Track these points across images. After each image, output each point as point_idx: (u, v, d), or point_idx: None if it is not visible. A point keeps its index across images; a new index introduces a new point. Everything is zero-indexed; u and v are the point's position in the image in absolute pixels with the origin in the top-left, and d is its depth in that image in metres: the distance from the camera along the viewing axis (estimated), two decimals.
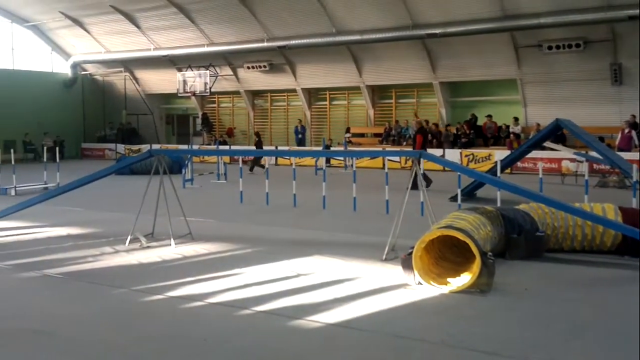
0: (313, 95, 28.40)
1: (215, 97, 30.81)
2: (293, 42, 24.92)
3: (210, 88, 28.47)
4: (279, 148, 25.78)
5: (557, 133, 17.13)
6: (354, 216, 11.79)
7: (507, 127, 22.74)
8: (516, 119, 22.73)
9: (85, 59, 31.51)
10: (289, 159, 22.15)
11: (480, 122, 23.65)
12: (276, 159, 25.01)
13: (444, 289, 6.46)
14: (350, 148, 23.57)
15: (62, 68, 31.97)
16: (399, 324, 5.54)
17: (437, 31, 21.74)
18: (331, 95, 27.96)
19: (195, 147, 25.80)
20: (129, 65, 31.09)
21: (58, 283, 7.12)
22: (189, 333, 5.33)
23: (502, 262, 7.55)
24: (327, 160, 21.41)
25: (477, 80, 23.80)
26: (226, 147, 25.67)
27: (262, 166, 20.85)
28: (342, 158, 23.00)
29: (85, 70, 32.80)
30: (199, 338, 5.22)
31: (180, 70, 29.28)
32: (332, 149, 23.24)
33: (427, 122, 23.60)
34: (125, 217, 10.79)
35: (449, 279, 6.61)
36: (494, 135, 22.97)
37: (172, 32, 27.68)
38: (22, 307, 6.21)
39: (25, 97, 29.24)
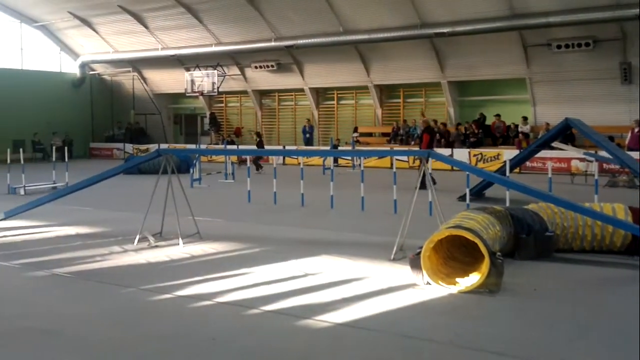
0: (321, 94, 28.39)
1: (222, 97, 30.86)
2: (300, 41, 24.91)
3: (217, 88, 28.52)
4: (287, 147, 25.80)
5: (567, 132, 17.05)
6: (361, 216, 11.77)
7: (516, 126, 22.65)
8: (525, 119, 22.63)
9: (94, 58, 31.64)
10: (297, 158, 22.16)
11: (488, 122, 23.57)
12: (284, 158, 25.02)
13: (453, 289, 6.43)
14: (358, 147, 23.55)
15: (71, 68, 32.11)
16: (407, 324, 5.52)
17: (445, 30, 21.67)
18: (339, 95, 27.94)
19: (203, 146, 25.86)
20: (137, 65, 31.19)
21: (67, 282, 7.14)
22: (197, 332, 5.33)
23: (511, 262, 7.51)
24: (335, 160, 21.39)
25: (486, 79, 23.72)
26: (234, 147, 25.69)
27: (260, 166, 20.90)
28: (349, 158, 22.98)
29: (93, 70, 32.93)
30: (207, 337, 5.21)
31: (188, 70, 29.35)
32: (339, 148, 23.22)
33: (435, 121, 23.60)
34: (133, 216, 10.82)
35: (457, 279, 6.58)
36: (503, 135, 22.88)
37: (180, 32, 27.75)
38: (30, 306, 6.23)
39: (34, 97, 29.40)
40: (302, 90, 28.02)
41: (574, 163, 18.61)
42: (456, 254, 7.26)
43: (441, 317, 5.75)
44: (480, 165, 20.88)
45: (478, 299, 6.21)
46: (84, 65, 32.10)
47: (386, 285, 6.68)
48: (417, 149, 18.37)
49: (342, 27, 23.85)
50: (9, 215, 10.27)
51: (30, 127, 28.62)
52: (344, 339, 5.19)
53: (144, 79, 31.86)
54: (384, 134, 26.14)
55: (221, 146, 25.36)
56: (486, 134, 23.23)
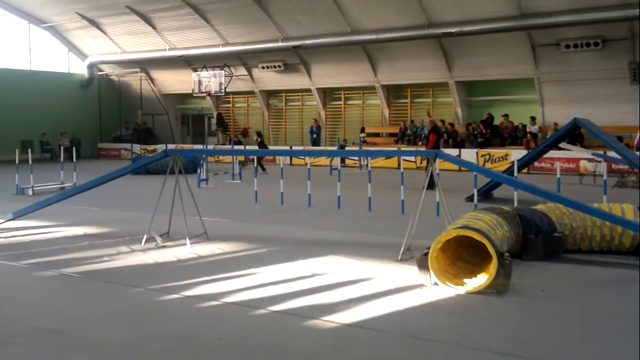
0: (328, 94, 28.38)
1: (230, 97, 30.90)
2: (308, 41, 24.91)
3: (225, 88, 28.56)
4: (294, 148, 25.79)
5: (575, 133, 16.96)
6: (369, 216, 11.75)
7: (524, 126, 22.56)
8: (533, 119, 22.54)
9: (102, 59, 31.76)
10: (304, 158, 22.16)
11: (496, 122, 23.49)
12: (291, 158, 25.02)
13: (460, 290, 6.40)
14: (365, 148, 23.52)
15: (79, 69, 32.25)
16: (415, 324, 5.50)
17: (453, 30, 21.61)
18: (346, 95, 27.93)
19: (210, 147, 25.89)
20: (145, 65, 31.29)
21: (75, 282, 7.16)
22: (204, 332, 5.33)
23: (519, 263, 7.48)
24: (342, 160, 21.37)
25: (494, 79, 23.64)
26: (241, 147, 25.72)
27: (262, 167, 20.83)
28: (357, 158, 22.96)
29: (101, 70, 33.05)
30: (214, 337, 5.21)
31: (195, 70, 29.40)
32: (346, 148, 23.20)
33: (443, 121, 23.55)
34: (141, 216, 10.85)
35: (465, 280, 6.56)
36: (511, 135, 22.79)
37: (188, 33, 27.81)
38: (39, 305, 6.25)
39: (42, 98, 29.53)
40: (309, 90, 28.02)
41: (582, 163, 18.51)
42: (464, 255, 7.23)
43: (449, 318, 5.72)
44: (488, 165, 20.80)
45: (486, 299, 6.18)
46: (91, 66, 32.23)
47: (393, 286, 6.67)
48: (424, 149, 18.33)
49: (350, 27, 23.84)
50: (17, 216, 10.31)
51: (38, 128, 28.76)
52: (351, 340, 5.18)
53: (151, 79, 31.96)
54: (391, 134, 26.10)
55: (228, 146, 25.39)
56: (494, 134, 23.15)
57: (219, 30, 26.95)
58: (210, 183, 17.77)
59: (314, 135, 27.36)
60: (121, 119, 32.84)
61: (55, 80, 30.90)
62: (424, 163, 17.52)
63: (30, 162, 16.33)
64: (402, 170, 12.34)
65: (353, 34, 23.87)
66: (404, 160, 15.11)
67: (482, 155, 21.66)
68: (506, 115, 23.07)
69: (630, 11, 18.55)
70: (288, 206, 12.86)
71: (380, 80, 25.68)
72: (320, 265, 7.69)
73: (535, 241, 7.81)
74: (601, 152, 16.69)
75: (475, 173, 11.47)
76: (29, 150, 17.30)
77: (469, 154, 21.46)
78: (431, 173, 8.35)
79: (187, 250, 8.67)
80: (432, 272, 6.55)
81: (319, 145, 27.06)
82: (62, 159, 18.03)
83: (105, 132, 33.00)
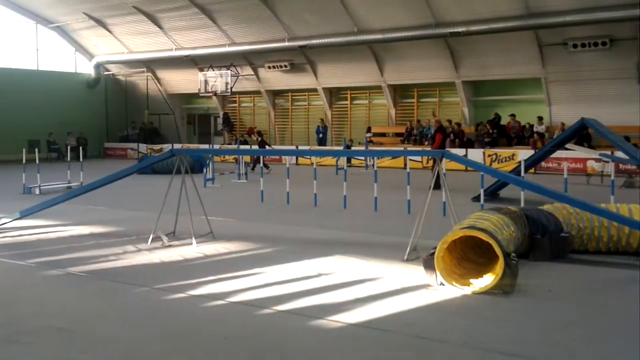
0: (334, 94, 28.37)
1: (236, 97, 30.94)
2: (314, 41, 24.90)
3: (231, 88, 28.60)
4: (300, 147, 25.80)
5: (583, 132, 16.89)
6: (375, 216, 11.74)
7: (531, 126, 22.49)
8: (540, 118, 22.47)
9: (108, 59, 31.86)
10: (310, 158, 22.15)
11: (503, 122, 23.43)
12: (297, 158, 25.02)
13: (467, 290, 6.38)
14: (371, 148, 23.50)
15: (86, 68, 32.36)
16: (421, 324, 5.49)
17: (460, 29, 21.55)
18: (352, 95, 27.91)
19: (216, 146, 25.91)
20: (151, 65, 31.36)
21: (81, 281, 7.18)
22: (209, 331, 5.34)
23: (525, 263, 7.45)
24: (348, 160, 21.36)
25: (501, 79, 23.58)
26: (247, 147, 25.74)
27: (267, 166, 20.65)
28: (363, 158, 22.94)
29: (108, 70, 33.16)
30: (219, 337, 5.22)
31: (201, 70, 29.45)
32: (352, 148, 23.19)
33: (449, 121, 23.50)
34: (147, 216, 10.87)
35: (471, 280, 6.54)
36: (518, 135, 22.72)
37: (194, 33, 27.86)
38: (45, 304, 6.27)
39: (49, 97, 29.65)
40: (315, 90, 28.02)
41: (589, 164, 18.42)
42: (470, 255, 7.21)
43: (455, 318, 5.71)
44: (495, 165, 20.75)
45: (492, 300, 6.16)
46: (98, 66, 32.34)
47: (399, 286, 6.65)
48: (430, 149, 18.28)
49: (356, 27, 23.81)
50: (24, 215, 10.35)
51: (45, 127, 28.88)
52: (356, 339, 5.17)
53: (158, 79, 32.03)
54: (398, 134, 26.06)
55: (234, 146, 25.41)
56: (501, 134, 23.08)
57: (225, 30, 26.98)
58: (217, 183, 17.79)
59: (321, 135, 27.37)
60: (127, 119, 32.94)
61: (62, 80, 31.02)
62: (431, 163, 17.50)
63: (37, 161, 16.40)
64: (408, 170, 12.32)
65: (360, 34, 23.85)
66: (410, 160, 15.07)
67: (489, 155, 21.60)
68: (513, 115, 23.01)
69: (638, 11, 18.43)
70: (294, 206, 12.86)
71: (387, 80, 25.65)
72: (326, 265, 7.68)
73: (542, 241, 7.79)
74: (609, 152, 16.61)
75: (482, 173, 11.43)
76: (36, 150, 17.37)
77: (475, 154, 21.41)
78: (437, 173, 8.33)
79: (193, 250, 8.68)
80: (438, 272, 6.53)
81: (325, 145, 27.05)
82: (68, 159, 18.09)
83: (111, 131, 33.11)
